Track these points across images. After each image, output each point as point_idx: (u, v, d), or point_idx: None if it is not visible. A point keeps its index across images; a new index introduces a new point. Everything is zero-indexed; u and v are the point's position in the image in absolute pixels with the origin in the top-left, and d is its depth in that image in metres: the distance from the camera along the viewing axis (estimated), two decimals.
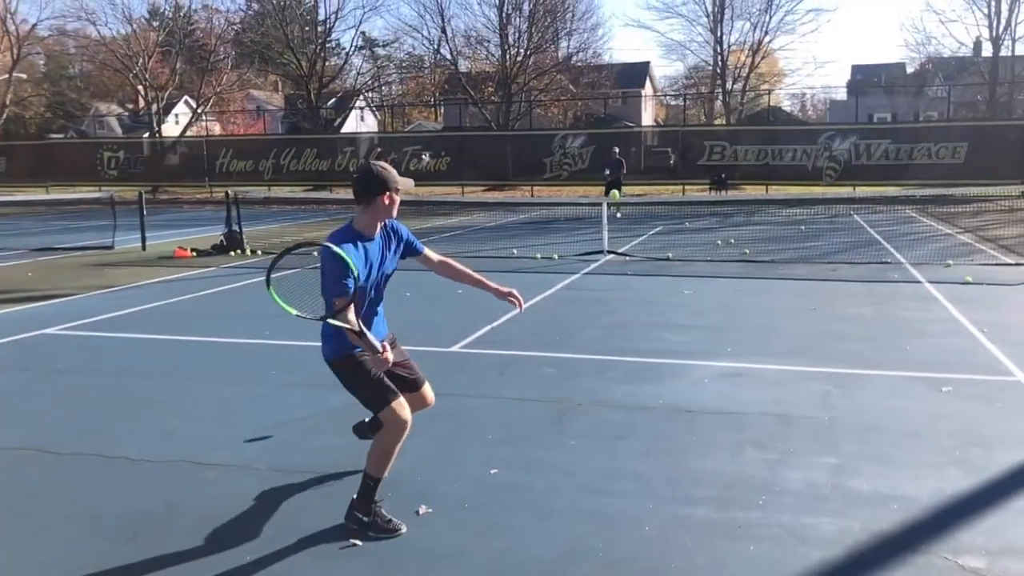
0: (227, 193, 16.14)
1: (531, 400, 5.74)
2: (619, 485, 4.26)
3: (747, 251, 13.91)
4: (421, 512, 3.95)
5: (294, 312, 3.58)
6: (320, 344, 3.86)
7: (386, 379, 3.80)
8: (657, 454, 4.68)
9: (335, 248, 3.51)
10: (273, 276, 3.63)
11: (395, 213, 3.81)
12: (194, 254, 14.80)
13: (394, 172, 3.77)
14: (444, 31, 41.52)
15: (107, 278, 12.11)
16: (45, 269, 13.36)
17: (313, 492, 4.24)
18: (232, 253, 14.86)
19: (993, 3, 36.54)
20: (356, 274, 3.51)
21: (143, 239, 16.00)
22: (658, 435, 5.00)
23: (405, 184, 3.76)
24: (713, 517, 3.87)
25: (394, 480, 4.27)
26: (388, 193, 3.69)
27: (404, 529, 3.76)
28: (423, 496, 4.12)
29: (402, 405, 3.77)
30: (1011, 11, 36.16)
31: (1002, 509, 3.89)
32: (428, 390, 4.21)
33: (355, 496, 3.82)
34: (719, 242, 15.51)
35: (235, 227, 15.29)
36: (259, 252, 14.92)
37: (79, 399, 5.99)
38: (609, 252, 13.63)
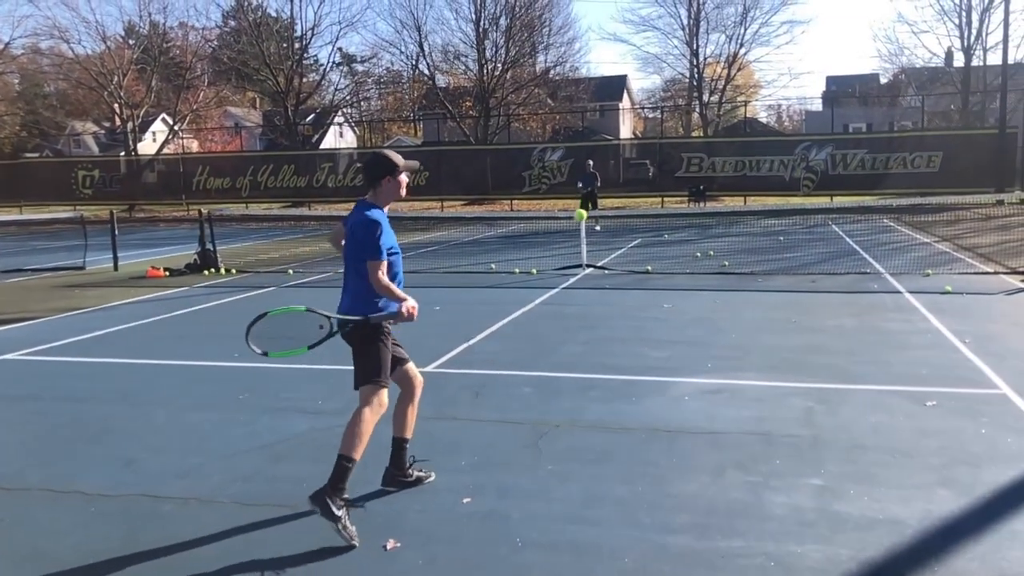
0: (200, 211, 15.87)
1: (507, 422, 5.56)
2: (597, 513, 4.08)
3: (726, 263, 13.82)
4: (389, 547, 3.75)
5: (333, 315, 3.91)
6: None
7: (389, 362, 4.08)
8: (637, 478, 4.51)
9: (371, 214, 3.94)
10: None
11: (403, 194, 4.13)
12: (167, 273, 14.51)
13: (398, 157, 4.11)
14: (421, 46, 41.50)
15: (76, 300, 11.81)
16: (13, 291, 13.03)
17: (276, 526, 4.02)
18: (206, 272, 14.59)
19: (964, 14, 37.07)
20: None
21: (115, 259, 15.69)
22: (638, 458, 4.83)
23: (408, 165, 4.13)
24: (695, 546, 3.70)
25: (361, 512, 4.08)
26: (389, 176, 4.04)
27: (357, 544, 3.74)
28: (391, 528, 3.93)
29: (386, 392, 4.06)
30: (982, 22, 36.71)
31: (994, 532, 3.75)
32: (414, 367, 4.41)
33: (328, 481, 3.84)
34: (698, 254, 15.43)
35: (208, 246, 15.03)
36: (234, 271, 14.66)
37: (35, 429, 5.74)
38: (588, 266, 13.50)
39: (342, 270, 4.13)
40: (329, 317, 3.88)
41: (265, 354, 3.84)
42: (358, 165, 35.29)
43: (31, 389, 6.81)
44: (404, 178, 4.10)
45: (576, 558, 3.62)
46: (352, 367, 4.07)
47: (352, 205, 4.20)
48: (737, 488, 4.33)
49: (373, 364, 3.99)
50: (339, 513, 3.74)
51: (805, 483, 4.38)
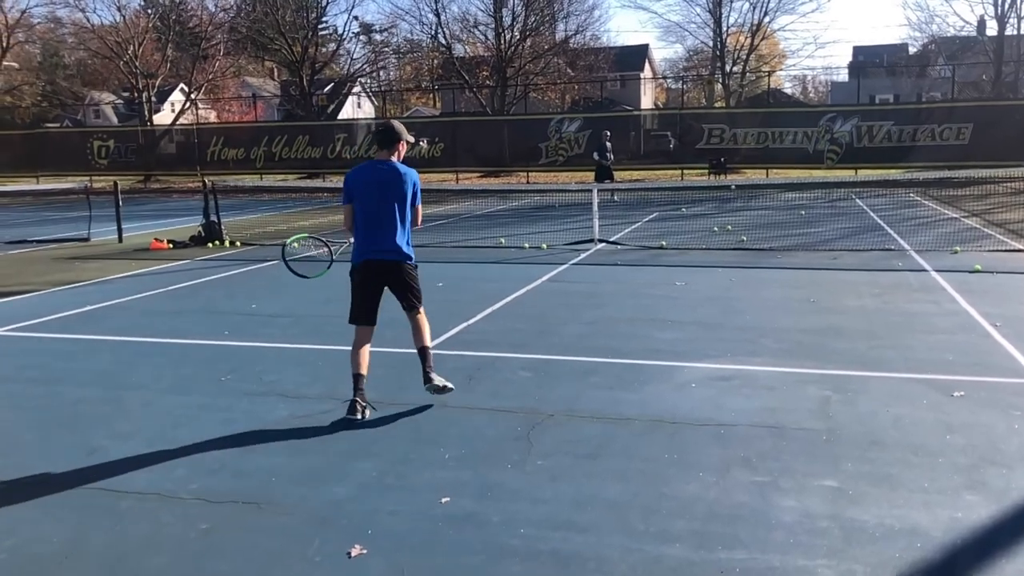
0: (204, 182, 15.56)
1: (499, 411, 5.19)
2: (587, 516, 3.71)
3: (744, 238, 13.33)
4: (354, 554, 3.41)
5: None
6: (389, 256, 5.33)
7: None
8: (633, 476, 4.13)
9: (412, 171, 5.36)
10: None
11: (401, 158, 5.35)
12: (171, 246, 14.24)
13: (404, 128, 5.39)
14: (439, 15, 40.77)
15: (75, 273, 11.56)
16: (13, 263, 12.82)
17: (236, 526, 3.69)
18: (210, 244, 14.30)
19: None
20: None
21: (119, 231, 15.44)
22: (636, 453, 4.45)
23: (407, 138, 5.35)
24: (692, 558, 3.33)
25: (325, 514, 3.75)
26: (402, 141, 5.27)
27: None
28: (358, 532, 3.58)
29: None
30: None
31: None
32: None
33: (427, 366, 5.20)
34: (716, 229, 14.93)
35: (213, 217, 14.73)
36: (238, 244, 14.35)
37: (1, 413, 5.45)
38: (600, 241, 13.05)
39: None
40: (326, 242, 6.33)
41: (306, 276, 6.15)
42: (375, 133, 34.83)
43: (6, 370, 6.51)
44: (405, 147, 5.34)
45: (558, 570, 3.26)
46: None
47: None
48: (742, 489, 3.95)
49: (420, 291, 5.47)
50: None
51: (817, 484, 3.98)
